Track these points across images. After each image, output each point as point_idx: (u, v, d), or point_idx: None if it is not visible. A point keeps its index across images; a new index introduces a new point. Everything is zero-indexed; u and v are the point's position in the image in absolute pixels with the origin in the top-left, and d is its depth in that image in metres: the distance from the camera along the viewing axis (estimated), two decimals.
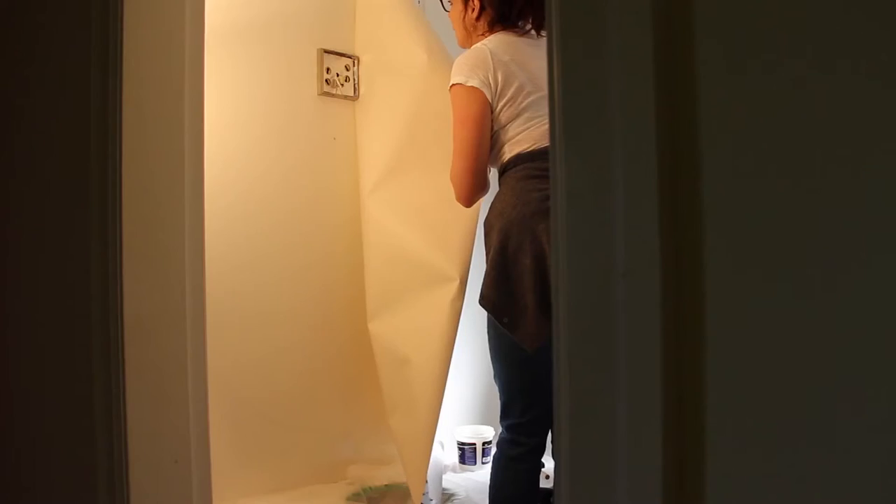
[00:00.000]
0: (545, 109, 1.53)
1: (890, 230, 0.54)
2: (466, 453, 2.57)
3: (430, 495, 2.10)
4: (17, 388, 1.13)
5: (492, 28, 1.64)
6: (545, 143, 1.55)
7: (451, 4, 1.73)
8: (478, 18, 1.65)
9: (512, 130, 1.57)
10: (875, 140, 0.55)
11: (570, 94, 0.70)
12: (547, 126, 1.52)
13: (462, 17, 1.68)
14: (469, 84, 1.53)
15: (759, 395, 0.60)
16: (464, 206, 1.61)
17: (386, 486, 2.23)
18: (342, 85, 2.31)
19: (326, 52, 2.27)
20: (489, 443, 2.54)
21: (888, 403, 0.54)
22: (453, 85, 1.56)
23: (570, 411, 0.70)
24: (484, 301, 1.57)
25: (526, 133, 1.57)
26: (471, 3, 1.65)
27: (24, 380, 1.13)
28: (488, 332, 1.62)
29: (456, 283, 1.91)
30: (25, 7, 1.13)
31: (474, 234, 1.88)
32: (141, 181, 1.08)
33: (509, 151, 1.58)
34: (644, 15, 0.64)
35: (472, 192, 1.59)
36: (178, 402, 1.12)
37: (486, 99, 1.54)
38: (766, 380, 0.60)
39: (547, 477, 2.26)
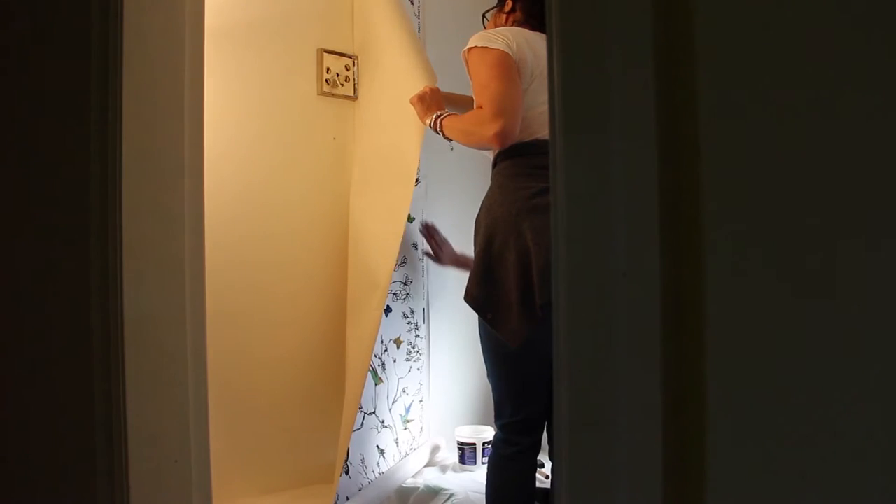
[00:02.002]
0: (544, 97, 1.55)
1: (890, 223, 0.54)
2: (466, 453, 2.57)
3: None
4: (17, 387, 1.13)
5: (520, 27, 1.67)
6: (540, 133, 1.57)
7: (489, 22, 1.79)
8: (508, 16, 1.69)
9: None
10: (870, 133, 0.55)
11: (570, 93, 0.70)
12: (542, 111, 1.54)
13: (496, 16, 1.74)
14: (494, 47, 1.53)
15: (759, 395, 0.60)
16: (502, 144, 1.54)
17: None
18: (342, 85, 2.31)
19: (326, 52, 2.27)
20: (489, 443, 2.54)
21: (889, 403, 0.54)
22: (473, 48, 1.55)
23: (569, 411, 0.70)
24: (468, 298, 1.58)
25: (524, 120, 1.56)
26: (507, 3, 1.70)
27: (23, 379, 1.13)
28: (479, 332, 1.62)
29: (379, 291, 2.01)
30: (25, 7, 1.13)
31: (400, 240, 1.98)
32: (141, 181, 1.08)
33: None
34: (644, 14, 0.64)
35: (515, 125, 1.51)
36: (178, 402, 1.12)
37: (512, 58, 1.53)
38: (766, 379, 0.60)
39: (547, 477, 2.26)
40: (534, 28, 1.65)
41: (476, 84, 1.56)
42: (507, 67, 1.52)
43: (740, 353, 0.61)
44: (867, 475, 0.56)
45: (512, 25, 1.68)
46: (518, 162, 1.58)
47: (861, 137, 0.56)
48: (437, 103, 1.76)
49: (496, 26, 1.72)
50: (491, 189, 1.63)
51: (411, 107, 1.82)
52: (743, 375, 0.61)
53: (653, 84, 0.64)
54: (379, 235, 2.08)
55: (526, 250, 1.49)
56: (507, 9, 1.71)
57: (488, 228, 1.56)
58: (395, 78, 2.02)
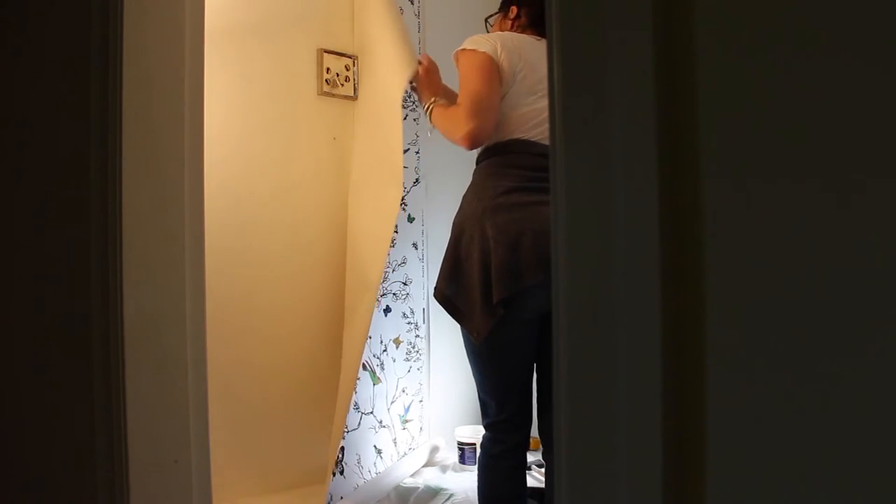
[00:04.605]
0: (526, 98, 1.58)
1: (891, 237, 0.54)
2: (466, 453, 2.57)
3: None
4: (18, 388, 1.13)
5: (523, 32, 1.73)
6: (516, 133, 1.62)
7: (493, 27, 1.84)
8: (513, 22, 1.75)
9: None
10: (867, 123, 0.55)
11: (570, 94, 0.70)
12: (525, 111, 1.58)
13: (500, 23, 1.80)
14: (481, 50, 1.60)
15: (760, 395, 0.60)
16: (472, 144, 1.59)
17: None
18: (342, 85, 2.31)
19: (326, 52, 2.27)
20: None
21: (890, 400, 0.54)
22: (463, 50, 1.63)
23: (569, 412, 0.70)
24: (437, 293, 1.64)
25: (501, 120, 1.62)
26: (511, 9, 1.76)
27: (24, 380, 1.13)
28: (461, 331, 1.64)
29: (370, 292, 2.03)
30: (25, 8, 1.13)
31: (390, 239, 2.00)
32: (141, 182, 1.08)
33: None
34: (644, 14, 0.64)
35: (487, 128, 1.57)
36: (178, 402, 1.12)
37: (495, 62, 1.59)
38: (767, 379, 0.60)
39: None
40: (538, 33, 1.69)
41: (460, 83, 1.64)
42: (489, 70, 1.59)
43: (741, 352, 0.61)
44: (868, 476, 0.56)
45: (517, 31, 1.73)
46: (493, 161, 1.64)
47: (863, 132, 0.56)
48: (435, 85, 1.82)
49: (500, 31, 1.76)
50: (468, 188, 1.68)
51: (401, 107, 1.87)
52: (744, 375, 0.61)
53: (653, 84, 0.64)
54: (370, 235, 2.09)
55: (487, 248, 1.52)
56: (511, 15, 1.76)
57: (458, 226, 1.62)
58: (387, 78, 2.02)
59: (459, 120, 1.57)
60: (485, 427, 1.67)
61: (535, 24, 1.72)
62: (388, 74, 2.00)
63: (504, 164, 1.61)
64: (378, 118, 2.13)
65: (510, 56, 1.61)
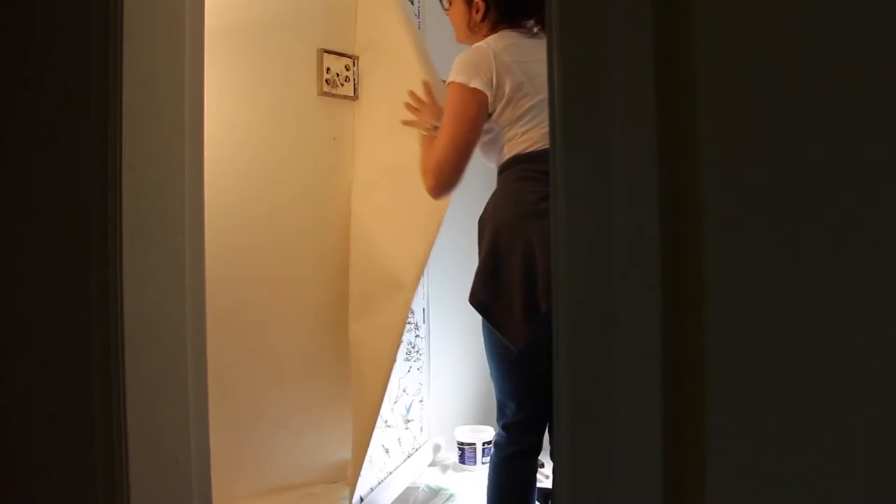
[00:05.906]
0: (545, 112, 1.55)
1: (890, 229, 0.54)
2: (466, 453, 2.57)
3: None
4: (18, 387, 1.13)
5: (495, 28, 1.64)
6: (544, 144, 1.56)
7: (450, 3, 1.74)
8: (482, 19, 1.66)
9: (512, 132, 1.58)
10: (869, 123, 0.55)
11: (570, 93, 0.70)
12: (546, 128, 1.55)
13: (466, 17, 1.69)
14: (472, 85, 1.53)
15: (761, 396, 0.60)
16: (434, 198, 1.61)
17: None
18: (342, 85, 2.31)
19: (326, 52, 2.27)
20: (489, 443, 2.54)
21: (892, 404, 0.54)
22: (452, 82, 1.56)
23: (570, 412, 0.70)
24: (473, 299, 1.59)
25: (525, 135, 1.58)
26: (475, 3, 1.65)
27: (24, 379, 1.13)
28: (483, 331, 1.63)
29: (406, 292, 1.96)
30: (25, 8, 1.13)
31: (433, 244, 1.91)
32: (141, 181, 1.08)
33: (508, 152, 1.60)
34: (644, 14, 0.64)
35: (448, 186, 1.59)
36: (178, 402, 1.12)
37: (486, 101, 1.55)
38: (768, 380, 0.60)
39: (547, 477, 2.26)
40: (512, 27, 1.62)
41: (443, 118, 1.60)
42: (475, 116, 1.55)
43: (741, 353, 0.61)
44: (870, 477, 0.56)
45: (489, 30, 1.64)
46: (527, 167, 1.58)
47: (865, 140, 0.56)
48: (432, 116, 1.79)
49: (469, 29, 1.68)
50: (497, 192, 1.63)
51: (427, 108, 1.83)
52: (744, 376, 0.61)
53: (653, 85, 0.64)
54: (402, 236, 2.04)
55: (531, 255, 1.49)
56: (478, 14, 1.66)
57: (494, 230, 1.56)
58: (402, 79, 2.00)
59: (429, 169, 1.58)
60: (501, 427, 1.65)
61: (507, 17, 1.63)
62: (405, 76, 1.96)
63: (540, 170, 1.55)
64: (392, 120, 2.09)
65: (513, 75, 1.55)
